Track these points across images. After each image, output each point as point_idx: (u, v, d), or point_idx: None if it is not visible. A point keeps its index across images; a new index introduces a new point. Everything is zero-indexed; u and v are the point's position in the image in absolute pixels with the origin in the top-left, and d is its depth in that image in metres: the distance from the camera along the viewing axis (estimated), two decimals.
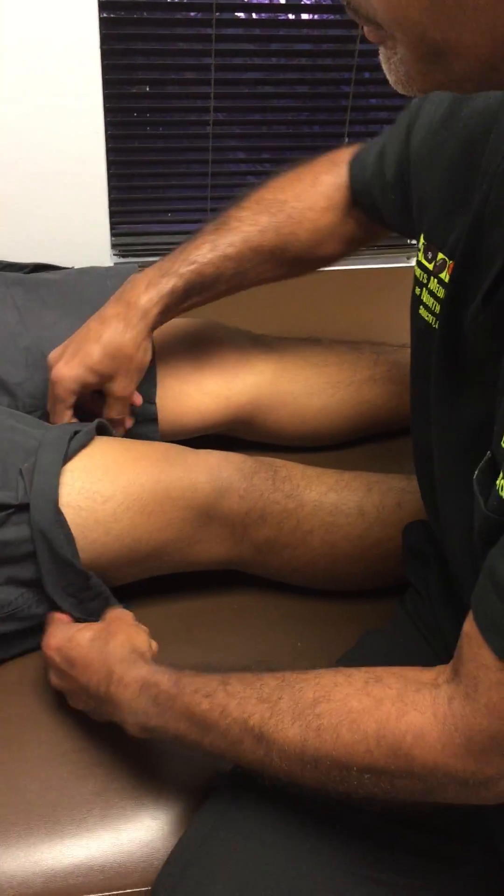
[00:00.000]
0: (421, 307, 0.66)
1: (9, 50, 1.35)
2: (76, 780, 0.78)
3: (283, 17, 1.58)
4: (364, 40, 1.57)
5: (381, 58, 0.47)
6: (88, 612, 0.84)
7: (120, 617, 0.80)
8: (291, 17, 1.58)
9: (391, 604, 0.87)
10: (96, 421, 0.90)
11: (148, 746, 0.80)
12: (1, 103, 1.39)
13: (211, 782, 0.76)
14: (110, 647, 0.73)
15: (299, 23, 1.60)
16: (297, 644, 0.90)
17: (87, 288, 1.04)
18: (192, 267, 0.90)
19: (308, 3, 1.58)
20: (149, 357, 0.92)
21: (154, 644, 0.76)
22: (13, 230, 1.50)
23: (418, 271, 0.67)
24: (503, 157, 0.56)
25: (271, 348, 1.07)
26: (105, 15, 1.41)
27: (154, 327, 0.91)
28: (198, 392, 1.01)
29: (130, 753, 0.80)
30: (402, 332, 1.03)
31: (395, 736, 0.54)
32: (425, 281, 0.65)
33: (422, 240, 0.68)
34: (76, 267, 1.14)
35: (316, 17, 1.60)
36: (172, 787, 0.78)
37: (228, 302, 1.31)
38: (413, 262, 1.79)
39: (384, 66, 0.47)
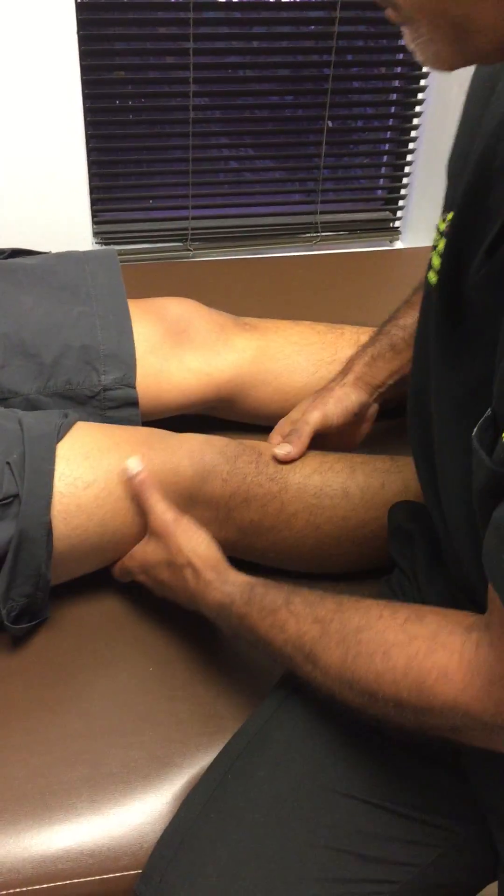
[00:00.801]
0: (430, 270, 0.66)
1: None
2: (65, 766, 0.78)
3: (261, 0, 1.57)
4: (343, 23, 1.56)
5: (406, 38, 0.47)
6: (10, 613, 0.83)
7: (171, 531, 0.81)
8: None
9: (377, 585, 0.87)
10: (74, 416, 0.90)
11: (137, 732, 0.80)
12: None
13: (200, 767, 0.76)
14: (185, 575, 0.78)
15: (278, 5, 1.59)
16: None
17: (66, 272, 1.03)
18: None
19: None
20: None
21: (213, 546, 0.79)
22: None
23: (435, 235, 0.67)
24: None
25: (253, 327, 1.07)
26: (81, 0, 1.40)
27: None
28: (179, 369, 1.01)
29: (118, 740, 0.80)
30: (383, 315, 1.03)
31: (420, 672, 0.56)
32: (437, 244, 0.65)
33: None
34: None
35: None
36: (161, 772, 0.78)
37: (209, 285, 1.30)
38: (396, 246, 1.78)
39: (411, 46, 0.47)
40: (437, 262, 0.63)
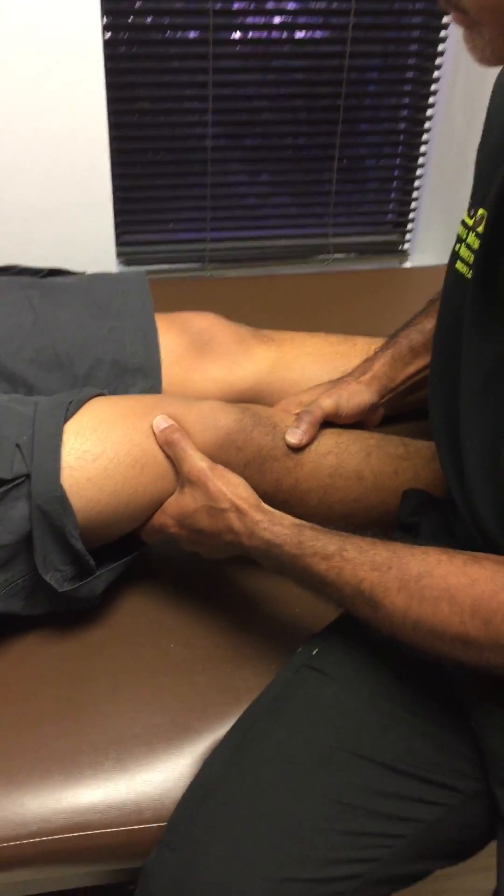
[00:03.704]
0: (458, 261, 0.72)
1: (20, 73, 1.44)
2: (93, 728, 0.86)
3: (276, 37, 1.67)
4: (353, 56, 1.67)
5: (466, 40, 0.53)
6: (73, 591, 0.87)
7: (209, 476, 0.84)
8: (285, 35, 1.67)
9: None
10: (89, 389, 0.93)
11: (159, 701, 0.88)
12: (14, 122, 1.49)
13: (218, 733, 0.84)
14: (228, 518, 0.81)
15: (292, 42, 1.69)
16: (296, 610, 0.97)
17: (99, 290, 1.12)
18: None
19: (301, 20, 1.67)
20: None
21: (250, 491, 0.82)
22: (25, 241, 1.59)
23: (461, 228, 0.72)
24: None
25: (271, 339, 1.14)
26: (109, 37, 1.51)
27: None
28: (203, 379, 1.08)
29: (142, 707, 0.88)
30: (392, 330, 1.10)
31: (488, 611, 0.61)
32: (464, 237, 0.71)
33: (469, 198, 0.74)
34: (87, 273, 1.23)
35: (308, 34, 1.69)
36: (182, 736, 0.86)
37: (226, 301, 1.39)
38: (406, 265, 1.85)
39: (468, 46, 0.54)
40: (465, 253, 0.69)
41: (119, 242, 1.75)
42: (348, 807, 0.71)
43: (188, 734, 0.86)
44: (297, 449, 0.93)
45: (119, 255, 1.77)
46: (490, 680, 0.67)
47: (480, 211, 0.68)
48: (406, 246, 2.00)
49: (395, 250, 1.99)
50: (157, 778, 0.83)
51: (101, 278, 1.16)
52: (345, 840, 0.70)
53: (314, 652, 0.82)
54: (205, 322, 1.12)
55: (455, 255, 0.72)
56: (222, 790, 0.74)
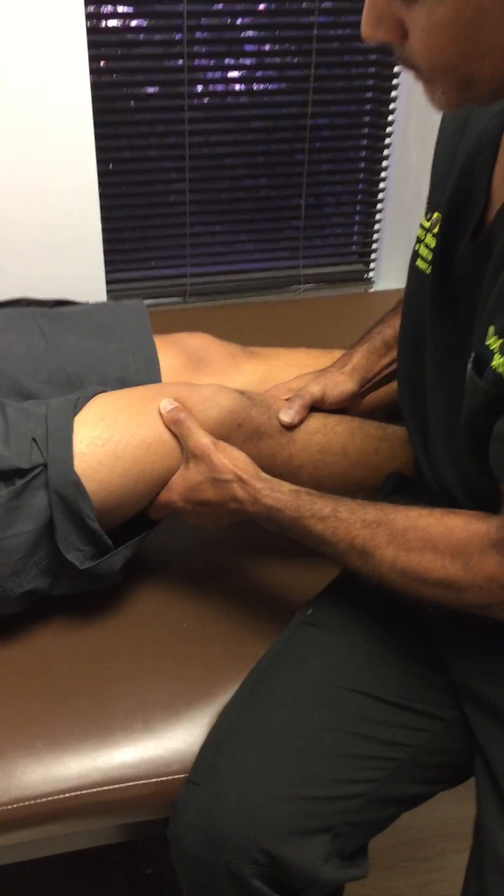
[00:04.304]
0: (418, 259, 0.83)
1: (19, 130, 1.59)
2: (121, 697, 0.97)
3: (241, 90, 1.84)
4: (314, 116, 1.84)
5: (425, 91, 0.64)
6: (94, 568, 0.95)
7: (212, 451, 0.92)
8: (248, 89, 1.84)
9: None
10: (94, 387, 1.02)
11: (178, 671, 0.99)
12: (14, 173, 1.64)
13: (233, 695, 0.95)
14: (232, 488, 0.90)
15: (259, 94, 1.86)
16: (293, 591, 1.10)
17: (102, 316, 1.24)
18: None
19: (261, 74, 1.85)
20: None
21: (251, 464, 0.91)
22: (25, 278, 1.72)
23: (420, 231, 0.83)
24: (490, 118, 0.74)
25: (258, 355, 1.27)
26: (96, 94, 1.66)
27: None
28: None
29: (164, 676, 0.99)
30: None
31: (465, 555, 0.71)
32: (423, 238, 0.82)
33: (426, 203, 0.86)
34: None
35: (273, 86, 1.86)
36: (201, 699, 0.97)
37: (210, 328, 1.52)
38: (371, 291, 2.01)
39: (428, 97, 0.64)
40: (425, 252, 0.81)
41: (108, 280, 1.89)
42: (348, 734, 0.83)
43: (206, 697, 0.97)
44: (290, 428, 1.02)
45: (108, 290, 1.90)
46: (456, 621, 0.79)
47: (436, 214, 0.79)
48: (370, 274, 2.16)
49: (360, 278, 2.15)
50: (181, 735, 0.94)
51: (102, 307, 1.29)
52: (347, 763, 0.82)
53: (309, 612, 0.94)
54: (199, 341, 1.25)
55: (415, 255, 0.83)
56: (238, 730, 0.86)
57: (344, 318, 1.79)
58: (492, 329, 0.66)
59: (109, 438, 0.94)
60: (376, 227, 2.11)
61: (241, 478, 0.90)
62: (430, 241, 0.80)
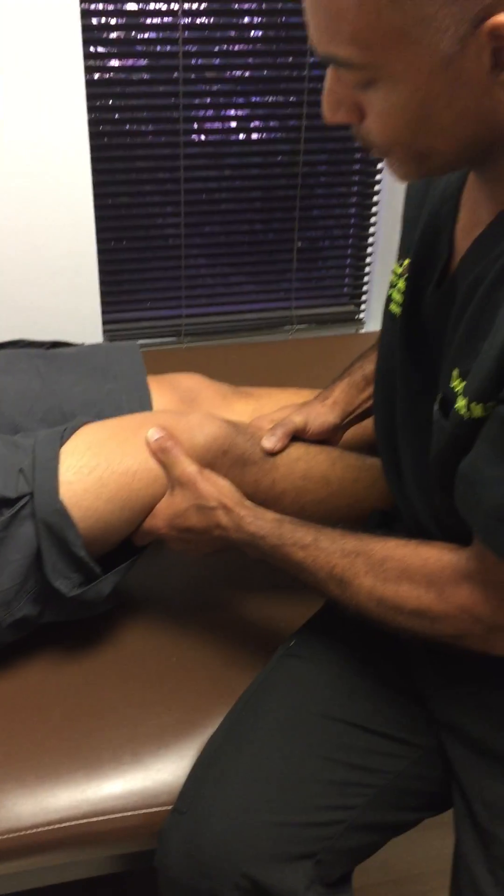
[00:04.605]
0: (391, 303, 0.87)
1: (21, 180, 1.65)
2: (111, 729, 0.99)
3: (235, 139, 1.90)
4: (306, 164, 1.90)
5: (386, 164, 0.70)
6: (81, 595, 0.96)
7: (198, 479, 0.94)
8: (242, 137, 1.90)
9: None
10: (81, 418, 1.04)
11: (167, 703, 1.02)
12: (16, 219, 1.70)
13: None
14: (216, 515, 0.92)
15: (253, 141, 1.93)
16: (280, 624, 1.12)
17: (98, 357, 1.28)
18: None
19: (257, 124, 1.91)
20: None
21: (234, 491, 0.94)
22: (25, 319, 1.77)
23: (392, 276, 0.87)
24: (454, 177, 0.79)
25: (248, 394, 1.30)
26: (94, 143, 1.72)
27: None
28: None
29: (153, 709, 1.01)
30: None
31: (439, 585, 0.74)
32: (395, 283, 0.86)
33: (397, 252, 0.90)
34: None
35: (266, 135, 1.93)
36: (189, 730, 0.99)
37: (204, 368, 1.57)
38: (362, 331, 2.06)
39: (389, 169, 0.70)
40: (397, 296, 0.85)
41: (105, 320, 1.94)
42: (328, 760, 0.85)
43: (194, 729, 0.99)
44: (273, 454, 1.05)
45: (105, 331, 1.95)
46: (431, 651, 0.81)
47: (406, 261, 0.84)
48: (361, 315, 2.21)
49: (351, 319, 2.21)
50: (169, 767, 0.96)
51: (98, 348, 1.33)
52: (327, 789, 0.84)
53: (292, 644, 0.97)
54: (191, 381, 1.28)
55: (389, 299, 0.87)
56: (222, 758, 0.88)
57: (335, 357, 1.81)
58: (455, 372, 0.70)
59: (96, 466, 0.96)
60: (367, 269, 2.16)
61: (225, 505, 0.93)
62: (402, 285, 0.84)
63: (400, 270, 0.85)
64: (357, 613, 0.81)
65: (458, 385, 0.69)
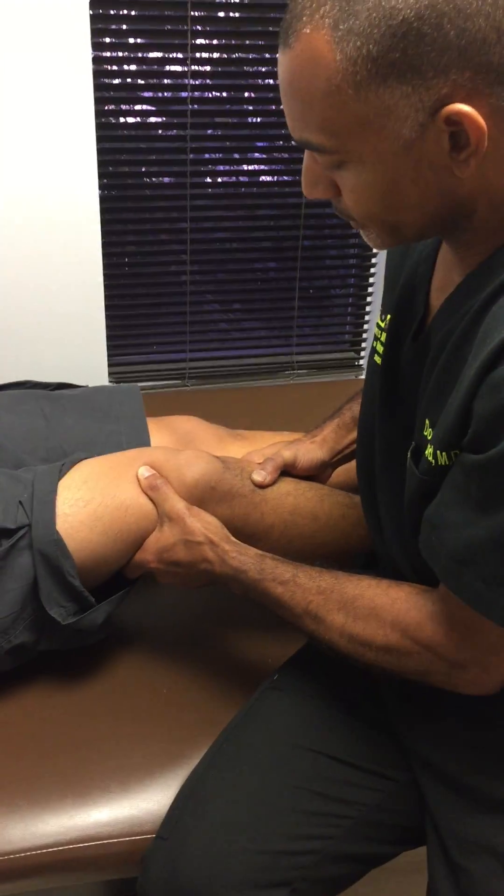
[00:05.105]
0: (375, 355, 0.92)
1: (32, 229, 1.73)
2: (100, 759, 1.02)
3: (244, 191, 1.98)
4: (307, 216, 1.97)
5: (363, 234, 0.75)
6: (76, 623, 1.00)
7: (186, 514, 0.98)
8: (247, 180, 1.98)
9: None
10: (79, 454, 1.09)
11: (155, 734, 1.05)
12: (28, 268, 1.77)
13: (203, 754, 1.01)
14: (203, 550, 0.96)
15: (257, 185, 2.01)
16: (268, 660, 1.16)
17: (99, 400, 1.34)
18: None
19: (264, 167, 1.99)
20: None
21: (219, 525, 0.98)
22: (33, 361, 1.84)
23: (377, 330, 0.93)
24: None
25: (243, 437, 1.35)
26: (103, 193, 1.80)
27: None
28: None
29: (141, 740, 1.05)
30: None
31: (404, 625, 0.78)
32: (379, 336, 0.91)
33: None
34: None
35: (273, 178, 2.00)
36: (175, 761, 1.02)
37: (206, 411, 1.62)
38: (361, 377, 2.10)
39: (365, 238, 0.76)
40: (380, 347, 0.90)
41: (111, 363, 2.00)
42: (304, 791, 0.89)
43: (180, 759, 1.03)
44: (262, 487, 1.09)
45: (111, 374, 2.01)
46: (402, 686, 0.85)
47: (388, 317, 0.89)
48: (361, 361, 2.27)
49: (351, 365, 2.26)
50: (155, 796, 1.00)
51: (100, 390, 1.39)
52: (303, 819, 0.87)
53: (275, 678, 1.01)
54: (189, 424, 1.33)
55: (373, 351, 0.93)
56: (204, 787, 0.92)
57: (335, 402, 1.84)
58: (427, 421, 0.75)
59: (91, 500, 1.01)
60: (367, 317, 2.22)
61: (211, 540, 0.97)
62: (384, 337, 0.90)
63: (383, 324, 0.91)
64: (329, 649, 0.85)
65: (429, 434, 0.74)
